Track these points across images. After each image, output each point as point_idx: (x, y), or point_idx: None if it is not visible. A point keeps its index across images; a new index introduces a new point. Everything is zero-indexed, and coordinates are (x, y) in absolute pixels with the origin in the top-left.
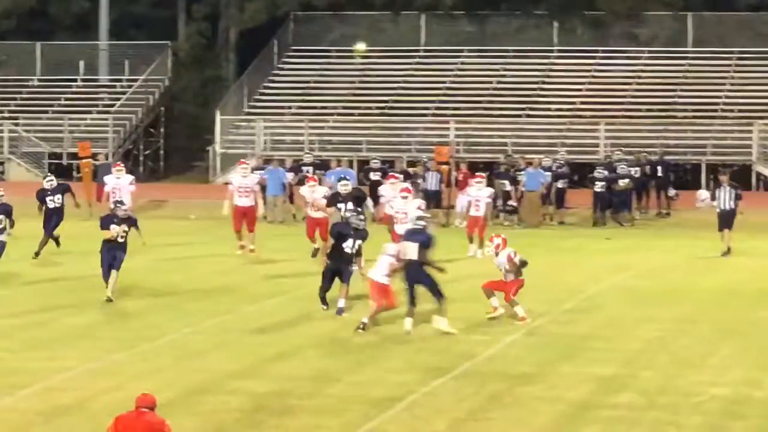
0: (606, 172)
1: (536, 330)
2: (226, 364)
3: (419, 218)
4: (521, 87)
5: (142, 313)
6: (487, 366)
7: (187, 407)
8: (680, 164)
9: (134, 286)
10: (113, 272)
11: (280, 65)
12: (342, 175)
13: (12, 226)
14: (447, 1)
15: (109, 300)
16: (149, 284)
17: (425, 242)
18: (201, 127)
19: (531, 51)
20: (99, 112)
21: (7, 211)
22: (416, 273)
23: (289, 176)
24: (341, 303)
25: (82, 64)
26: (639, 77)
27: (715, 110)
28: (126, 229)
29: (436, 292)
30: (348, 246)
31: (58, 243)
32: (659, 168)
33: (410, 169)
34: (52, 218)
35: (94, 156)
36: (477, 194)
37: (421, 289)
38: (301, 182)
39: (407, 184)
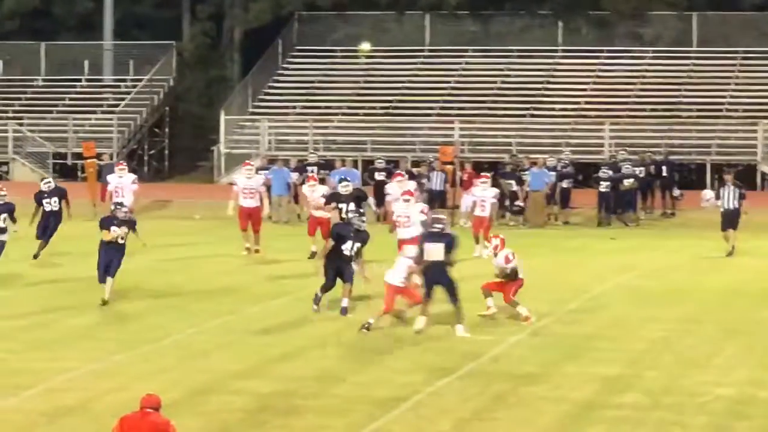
0: (611, 172)
1: (541, 330)
2: (230, 365)
3: (436, 220)
4: (526, 87)
5: (145, 314)
6: (492, 366)
7: (192, 407)
8: (685, 164)
9: (137, 286)
10: (109, 279)
11: (284, 65)
12: (343, 176)
13: (14, 222)
14: (451, 0)
15: (105, 303)
16: (152, 285)
17: (450, 243)
18: (205, 127)
19: (535, 51)
20: (103, 112)
21: (9, 209)
22: (438, 274)
23: (294, 176)
24: (345, 303)
25: (86, 64)
26: (643, 77)
27: (720, 110)
28: (126, 230)
29: (454, 294)
30: (347, 248)
31: (36, 255)
32: (664, 168)
33: (415, 169)
34: (49, 221)
35: (98, 156)
36: (482, 194)
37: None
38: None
39: (413, 183)
